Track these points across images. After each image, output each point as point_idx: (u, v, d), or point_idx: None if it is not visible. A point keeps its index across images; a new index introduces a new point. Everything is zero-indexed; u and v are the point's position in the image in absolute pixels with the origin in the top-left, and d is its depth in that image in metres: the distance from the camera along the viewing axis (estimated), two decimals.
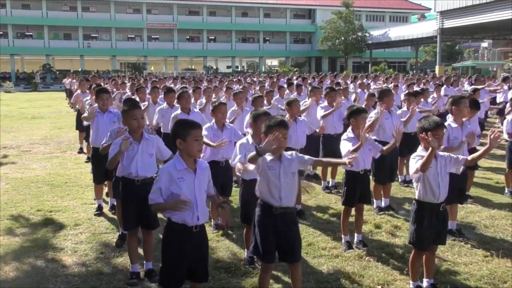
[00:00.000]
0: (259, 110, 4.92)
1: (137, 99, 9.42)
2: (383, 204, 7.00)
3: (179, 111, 7.48)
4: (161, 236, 3.75)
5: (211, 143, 5.63)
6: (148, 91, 10.50)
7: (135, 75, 38.80)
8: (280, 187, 3.92)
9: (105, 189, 7.49)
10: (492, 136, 4.14)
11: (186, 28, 63.64)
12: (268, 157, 3.95)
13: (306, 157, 4.14)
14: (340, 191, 6.29)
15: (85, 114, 7.34)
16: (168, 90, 8.89)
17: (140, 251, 5.01)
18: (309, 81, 17.28)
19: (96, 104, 6.91)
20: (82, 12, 59.60)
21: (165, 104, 8.48)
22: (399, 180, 8.45)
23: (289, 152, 4.08)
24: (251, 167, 4.09)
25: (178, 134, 3.61)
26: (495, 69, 53.33)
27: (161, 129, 8.42)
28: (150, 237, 4.81)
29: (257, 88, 14.77)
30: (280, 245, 3.97)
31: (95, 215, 6.76)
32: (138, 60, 60.75)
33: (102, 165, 5.53)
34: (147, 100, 9.45)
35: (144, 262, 4.83)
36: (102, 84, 15.08)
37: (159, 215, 4.55)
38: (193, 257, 3.67)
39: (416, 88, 11.55)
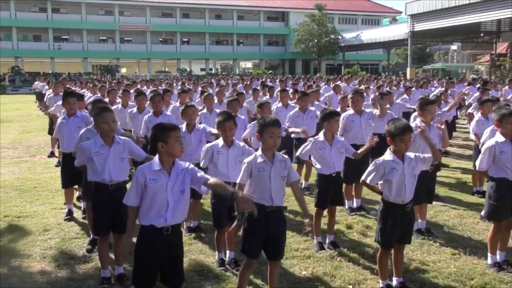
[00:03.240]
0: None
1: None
2: (354, 205, 7.09)
3: (150, 113, 7.43)
4: (134, 241, 3.72)
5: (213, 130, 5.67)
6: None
7: (105, 77, 38.25)
8: (270, 188, 4.00)
9: (76, 194, 7.37)
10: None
11: (159, 30, 63.13)
12: (259, 158, 4.01)
13: (295, 173, 4.28)
14: (313, 193, 6.33)
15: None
16: (138, 93, 8.79)
17: (111, 256, 4.95)
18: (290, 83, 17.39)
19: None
20: (52, 13, 58.50)
21: (134, 108, 8.40)
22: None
23: (283, 156, 4.14)
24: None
25: (159, 138, 3.61)
26: (464, 71, 54.60)
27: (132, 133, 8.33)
28: (122, 241, 4.74)
29: (230, 90, 14.81)
30: (268, 242, 4.05)
31: (65, 220, 6.64)
32: (110, 62, 59.91)
33: (70, 170, 5.45)
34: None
35: (115, 266, 4.77)
36: (71, 87, 14.87)
37: None
38: (165, 259, 3.65)
39: (383, 90, 11.72)
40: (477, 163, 5.14)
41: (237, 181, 4.15)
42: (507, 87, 16.18)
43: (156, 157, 3.69)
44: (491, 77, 35.39)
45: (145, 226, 3.63)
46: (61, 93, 10.43)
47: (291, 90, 11.29)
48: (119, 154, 4.71)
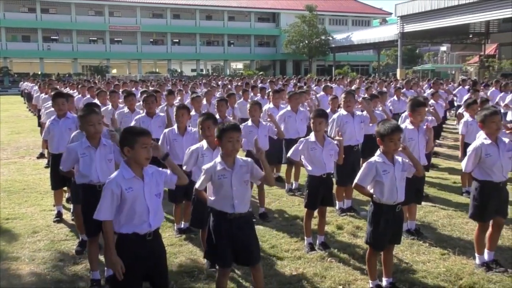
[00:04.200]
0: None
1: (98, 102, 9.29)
2: (345, 206, 7.11)
3: (143, 114, 7.42)
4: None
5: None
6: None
7: (95, 78, 38.03)
8: (232, 195, 3.87)
9: (65, 195, 7.33)
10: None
11: (149, 31, 62.89)
12: (219, 165, 3.88)
13: (259, 171, 4.00)
14: (304, 194, 6.35)
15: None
16: (128, 94, 8.75)
17: (101, 257, 4.92)
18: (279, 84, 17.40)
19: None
20: (42, 14, 58.08)
21: (125, 108, 8.36)
22: None
23: (244, 159, 4.01)
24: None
25: (126, 142, 3.50)
26: (453, 72, 54.99)
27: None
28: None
29: (221, 91, 14.81)
30: (237, 249, 3.92)
31: (54, 221, 6.60)
32: (100, 63, 59.60)
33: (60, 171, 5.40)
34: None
35: (105, 269, 4.74)
36: (60, 88, 14.78)
37: None
38: (150, 264, 3.58)
39: (374, 91, 11.78)
40: (463, 164, 5.15)
41: (196, 187, 4.03)
42: (494, 88, 16.33)
43: (124, 164, 3.56)
44: (480, 78, 35.70)
45: (126, 234, 3.50)
46: (50, 94, 10.34)
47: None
48: (105, 155, 4.70)
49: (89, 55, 60.04)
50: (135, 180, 3.51)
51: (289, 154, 5.73)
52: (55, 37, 60.40)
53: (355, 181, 4.45)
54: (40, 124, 11.41)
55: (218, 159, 3.93)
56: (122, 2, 60.60)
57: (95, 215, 3.52)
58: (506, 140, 5.07)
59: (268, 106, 9.23)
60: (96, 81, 25.62)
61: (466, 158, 5.06)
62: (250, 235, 4.01)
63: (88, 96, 12.01)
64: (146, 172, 3.60)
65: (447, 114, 15.92)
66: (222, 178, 3.87)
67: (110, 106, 9.18)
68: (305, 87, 16.96)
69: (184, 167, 4.88)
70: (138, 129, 3.74)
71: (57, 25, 58.49)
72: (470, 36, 46.47)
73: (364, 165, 4.45)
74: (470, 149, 5.05)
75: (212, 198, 3.95)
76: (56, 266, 5.14)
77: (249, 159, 4.05)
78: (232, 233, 3.89)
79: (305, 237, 5.64)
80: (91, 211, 4.55)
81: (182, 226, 6.18)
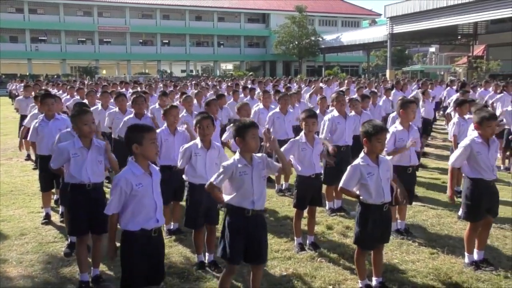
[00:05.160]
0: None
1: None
2: (335, 206, 7.13)
3: (132, 115, 7.37)
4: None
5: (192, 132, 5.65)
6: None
7: (83, 78, 37.80)
8: (253, 191, 3.93)
9: (53, 197, 7.26)
10: None
11: (139, 32, 62.69)
12: (240, 163, 3.94)
13: (274, 163, 4.09)
14: (294, 194, 6.35)
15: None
16: (119, 94, 8.71)
17: (90, 259, 4.88)
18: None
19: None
20: (29, 14, 57.63)
21: (116, 109, 8.31)
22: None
23: (259, 155, 4.08)
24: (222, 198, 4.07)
25: (134, 139, 3.59)
26: (442, 73, 55.44)
27: (112, 134, 8.25)
28: (99, 242, 4.71)
29: (211, 92, 14.78)
30: (249, 247, 3.99)
31: (42, 223, 6.53)
32: (89, 64, 59.21)
33: (49, 172, 5.36)
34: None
35: (92, 268, 4.71)
36: (48, 89, 14.63)
37: None
38: (153, 261, 3.68)
39: (365, 92, 11.81)
40: (451, 158, 5.15)
41: (212, 181, 3.99)
42: (483, 88, 16.49)
43: (132, 161, 3.64)
44: (469, 79, 36.02)
45: (133, 231, 3.59)
46: (32, 96, 10.18)
47: (272, 92, 11.32)
48: (96, 157, 4.68)
49: (78, 55, 59.68)
50: (144, 177, 3.62)
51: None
52: (43, 38, 59.96)
53: (340, 184, 4.45)
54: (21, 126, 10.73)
55: (237, 156, 3.98)
56: (111, 2, 60.31)
57: (106, 210, 3.64)
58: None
59: (258, 107, 9.24)
60: (85, 82, 25.44)
61: (454, 153, 5.08)
62: (263, 233, 4.10)
63: (78, 97, 11.92)
64: (152, 169, 3.71)
65: (436, 114, 16.04)
66: (243, 175, 3.92)
67: (99, 106, 9.12)
68: (296, 87, 17.04)
69: (178, 165, 5.03)
70: (143, 125, 3.79)
71: (45, 26, 58.07)
72: (459, 37, 46.88)
73: (348, 168, 4.43)
74: (460, 146, 5.07)
75: (231, 196, 3.98)
76: (45, 269, 5.08)
77: (263, 154, 4.13)
78: (249, 230, 3.95)
79: (295, 237, 5.64)
80: (78, 209, 4.57)
81: (172, 227, 6.16)
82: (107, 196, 4.18)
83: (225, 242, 4.01)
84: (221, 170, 3.98)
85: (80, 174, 4.58)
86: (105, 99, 9.32)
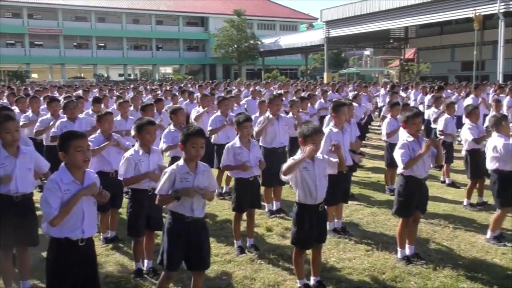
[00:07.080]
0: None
1: (17, 110, 8.81)
2: (274, 207, 7.20)
3: (65, 118, 7.15)
4: (43, 254, 3.54)
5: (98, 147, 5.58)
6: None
7: (13, 83, 36.04)
8: (192, 200, 3.90)
9: None
10: None
11: (73, 35, 60.55)
12: (182, 169, 3.91)
13: (214, 181, 4.24)
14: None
15: None
16: (51, 99, 8.37)
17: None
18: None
19: None
20: None
21: (48, 115, 7.98)
22: (290, 183, 8.71)
23: (205, 165, 4.08)
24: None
25: (60, 147, 3.48)
26: (377, 75, 57.62)
27: (43, 141, 7.93)
28: (27, 255, 4.51)
29: (150, 96, 14.54)
30: (191, 254, 3.96)
31: None
32: (19, 67, 56.44)
33: None
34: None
35: (20, 282, 4.51)
36: None
37: (39, 232, 4.26)
38: (81, 272, 3.51)
39: (303, 94, 12.06)
40: (400, 163, 5.15)
41: (157, 192, 3.98)
42: (414, 89, 17.27)
43: (64, 167, 3.51)
44: (401, 81, 37.63)
45: (58, 239, 3.45)
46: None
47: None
48: (26, 164, 4.44)
49: (7, 59, 56.47)
50: (74, 184, 3.47)
51: (222, 164, 5.74)
52: None
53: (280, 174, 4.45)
54: None
55: (181, 162, 3.97)
56: (42, 4, 57.81)
57: (47, 218, 3.40)
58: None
59: (197, 110, 9.18)
60: (14, 87, 24.24)
61: (399, 157, 5.12)
62: (205, 238, 4.07)
63: (5, 101, 11.35)
64: (87, 177, 3.56)
65: (372, 115, 16.62)
66: (184, 182, 3.90)
67: (30, 113, 8.71)
68: (236, 90, 17.09)
69: (123, 175, 4.80)
70: (71, 132, 3.67)
71: None
72: (391, 41, 48.99)
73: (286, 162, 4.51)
74: (398, 147, 5.19)
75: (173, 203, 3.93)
76: None
77: (206, 165, 4.11)
78: (189, 236, 3.92)
79: (235, 241, 5.65)
80: (7, 223, 4.33)
81: (109, 235, 5.99)
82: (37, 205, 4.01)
83: (163, 248, 3.97)
84: (165, 175, 3.94)
85: (8, 184, 4.32)
86: (35, 105, 8.89)
